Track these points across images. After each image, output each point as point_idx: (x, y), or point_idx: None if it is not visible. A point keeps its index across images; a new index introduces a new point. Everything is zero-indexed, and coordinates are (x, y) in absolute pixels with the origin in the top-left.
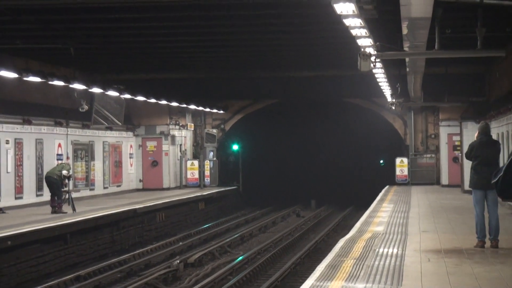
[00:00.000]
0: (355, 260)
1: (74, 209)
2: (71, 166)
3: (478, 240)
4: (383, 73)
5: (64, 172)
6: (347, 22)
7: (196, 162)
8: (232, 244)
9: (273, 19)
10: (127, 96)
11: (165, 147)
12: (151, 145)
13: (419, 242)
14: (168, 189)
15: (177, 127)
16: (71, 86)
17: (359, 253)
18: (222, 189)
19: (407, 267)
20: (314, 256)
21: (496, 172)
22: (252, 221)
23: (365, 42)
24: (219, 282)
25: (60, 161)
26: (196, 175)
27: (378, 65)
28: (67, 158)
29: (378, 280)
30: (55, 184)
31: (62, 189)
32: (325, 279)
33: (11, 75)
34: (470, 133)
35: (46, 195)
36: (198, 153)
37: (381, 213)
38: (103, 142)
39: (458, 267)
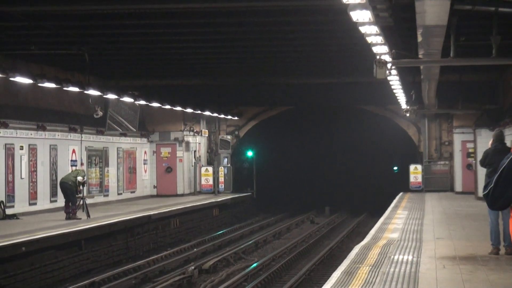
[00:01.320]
0: (370, 267)
1: (88, 215)
2: (86, 172)
3: (492, 247)
4: (398, 80)
5: (79, 178)
6: (363, 29)
7: (210, 169)
8: (246, 250)
9: (287, 26)
10: (142, 102)
11: (179, 153)
12: (165, 151)
13: (434, 249)
14: (182, 195)
15: (191, 133)
16: (85, 92)
17: (374, 260)
18: (236, 195)
19: (422, 274)
20: (328, 262)
21: (486, 184)
22: (266, 227)
23: (381, 50)
24: None
25: (74, 167)
26: (210, 182)
27: (394, 72)
28: (82, 164)
29: (393, 286)
30: (70, 190)
31: (77, 195)
32: (341, 285)
33: (26, 81)
34: (484, 141)
35: (60, 201)
36: (212, 160)
37: (396, 220)
38: (117, 148)
39: (473, 274)
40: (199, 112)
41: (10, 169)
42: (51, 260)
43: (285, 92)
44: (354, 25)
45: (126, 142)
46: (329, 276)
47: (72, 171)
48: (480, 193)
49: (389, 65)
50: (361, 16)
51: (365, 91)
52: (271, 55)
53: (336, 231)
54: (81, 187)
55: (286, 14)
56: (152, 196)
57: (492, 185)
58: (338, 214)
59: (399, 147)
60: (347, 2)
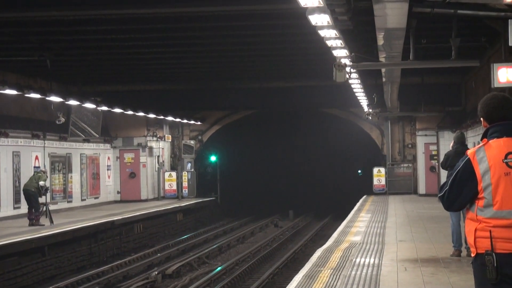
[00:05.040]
0: (332, 270)
1: (51, 222)
2: (48, 175)
3: (454, 249)
4: (359, 84)
5: (41, 182)
6: (322, 33)
7: (174, 174)
8: (210, 255)
9: (248, 30)
10: (104, 108)
11: (142, 159)
12: (128, 157)
13: (396, 252)
14: (146, 200)
15: (154, 138)
16: (47, 98)
17: (336, 263)
18: (200, 200)
19: (384, 276)
20: (292, 266)
21: (442, 186)
22: (230, 231)
23: (341, 53)
24: None
25: (36, 170)
26: (174, 187)
27: (354, 75)
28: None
29: None
30: (33, 196)
31: (40, 202)
32: None
33: None
34: (447, 143)
35: (24, 208)
36: (176, 165)
37: (359, 223)
38: (81, 154)
39: (435, 276)
40: (162, 117)
41: None
42: (14, 266)
43: (248, 96)
44: (314, 29)
45: (89, 148)
46: (291, 280)
47: (33, 174)
48: None
49: (348, 69)
50: (320, 20)
51: (327, 94)
52: (233, 60)
53: (300, 235)
54: (43, 191)
55: (247, 18)
56: (116, 202)
57: (447, 187)
58: (302, 218)
59: (363, 150)
60: (305, 6)
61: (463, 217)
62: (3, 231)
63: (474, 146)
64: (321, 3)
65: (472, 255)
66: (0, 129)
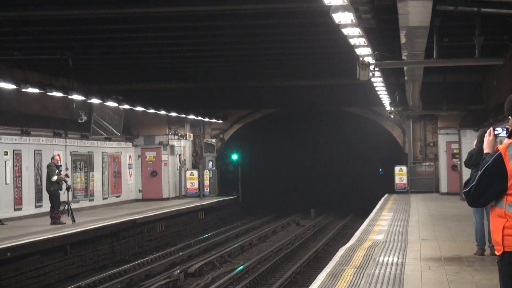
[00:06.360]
0: (355, 269)
1: (73, 220)
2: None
3: (477, 248)
4: (382, 82)
5: (53, 178)
6: (346, 31)
7: (195, 172)
8: (232, 253)
9: (271, 29)
10: (126, 106)
11: (164, 157)
12: (150, 155)
13: (419, 251)
14: (168, 199)
15: (176, 137)
16: (69, 97)
17: (360, 261)
18: (222, 198)
19: (408, 275)
20: (314, 265)
21: (467, 181)
22: (252, 230)
23: (364, 51)
24: None
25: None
26: (196, 185)
27: (377, 74)
28: (66, 169)
29: None
30: (51, 195)
31: (62, 201)
32: None
33: (9, 86)
34: (469, 141)
35: (45, 206)
36: (197, 163)
37: (381, 221)
38: (102, 152)
39: (459, 275)
40: (184, 115)
41: None
42: (37, 265)
43: (269, 94)
44: (337, 27)
45: (111, 147)
46: (315, 278)
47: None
48: None
49: (372, 67)
50: (344, 18)
51: (349, 93)
52: (255, 58)
53: (322, 233)
54: (62, 184)
55: (269, 17)
56: (137, 200)
57: (474, 182)
58: (323, 216)
59: (384, 148)
60: (329, 4)
61: (486, 215)
62: (25, 230)
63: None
64: (345, 1)
65: (497, 253)
66: (22, 128)
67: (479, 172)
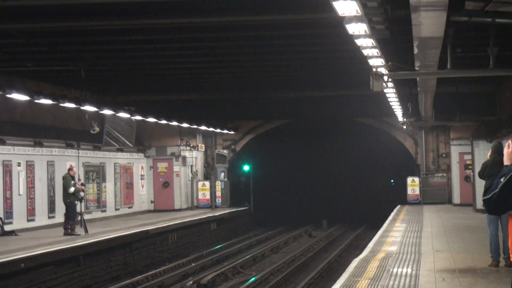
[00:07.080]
0: (369, 280)
1: (86, 231)
2: (76, 178)
3: (492, 259)
4: (395, 93)
5: (70, 190)
6: (359, 42)
7: (207, 183)
8: (244, 264)
9: (283, 40)
10: (138, 117)
11: (176, 168)
12: (162, 166)
13: (433, 262)
14: (180, 210)
15: (188, 148)
16: (82, 108)
17: (373, 273)
18: (234, 209)
19: (422, 287)
20: (327, 276)
21: (488, 188)
22: (264, 241)
23: (377, 62)
24: None
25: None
26: (208, 196)
27: (390, 84)
28: (79, 180)
29: None
30: (66, 206)
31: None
32: None
33: (22, 97)
34: (482, 152)
35: (58, 217)
36: (209, 174)
37: (394, 232)
38: (114, 163)
39: (473, 286)
40: (195, 126)
41: (8, 185)
42: (50, 276)
43: (281, 105)
44: (350, 38)
45: (123, 158)
46: None
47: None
48: (479, 205)
49: (385, 78)
50: (357, 29)
51: (361, 103)
52: (267, 69)
53: (334, 245)
54: (81, 193)
55: (281, 28)
56: (149, 211)
57: (497, 190)
58: (336, 228)
59: (396, 159)
60: (343, 15)
61: (501, 227)
62: (38, 241)
63: None
64: (359, 12)
65: None
66: (35, 139)
67: (502, 180)
